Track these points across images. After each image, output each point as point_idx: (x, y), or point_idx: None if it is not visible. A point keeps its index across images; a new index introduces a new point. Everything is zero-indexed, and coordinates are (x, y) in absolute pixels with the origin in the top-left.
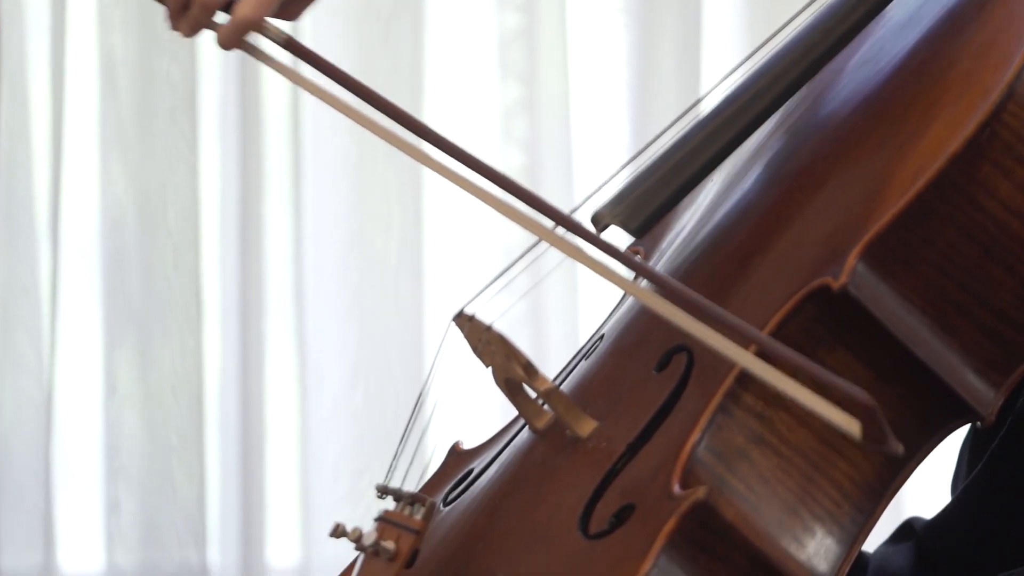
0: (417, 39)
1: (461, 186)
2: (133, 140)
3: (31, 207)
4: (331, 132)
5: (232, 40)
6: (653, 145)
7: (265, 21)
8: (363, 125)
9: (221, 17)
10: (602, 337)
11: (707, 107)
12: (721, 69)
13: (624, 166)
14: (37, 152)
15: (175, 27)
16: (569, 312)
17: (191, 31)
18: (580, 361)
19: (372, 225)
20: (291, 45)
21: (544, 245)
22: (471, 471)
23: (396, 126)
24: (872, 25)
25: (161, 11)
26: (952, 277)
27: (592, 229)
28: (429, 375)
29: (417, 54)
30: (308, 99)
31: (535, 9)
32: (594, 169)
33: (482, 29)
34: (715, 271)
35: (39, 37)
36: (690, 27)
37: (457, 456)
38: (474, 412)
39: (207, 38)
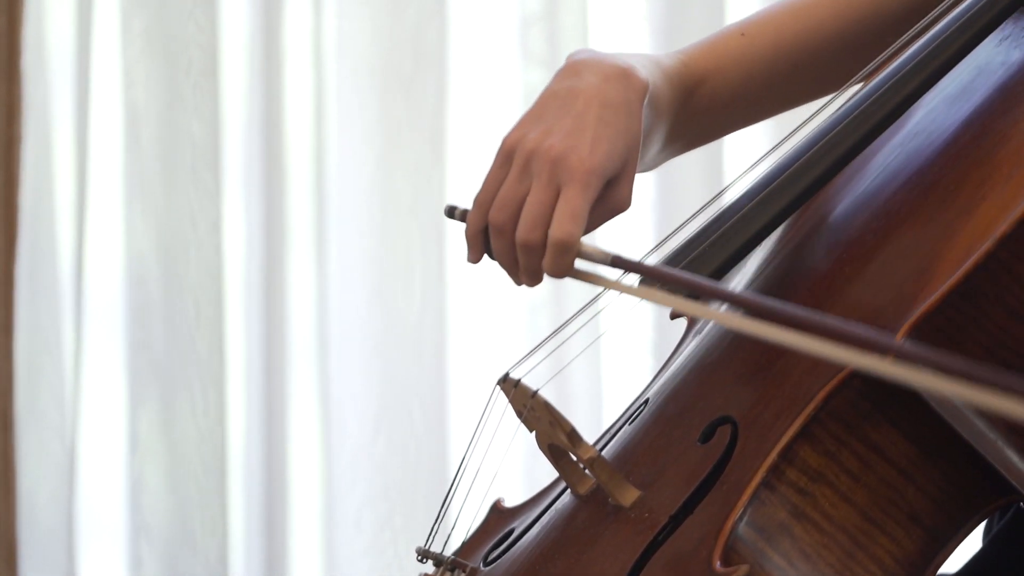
0: (441, 27)
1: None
2: (157, 195)
3: (55, 263)
4: (354, 187)
5: (559, 267)
6: (677, 232)
7: (583, 244)
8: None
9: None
10: (646, 402)
11: (757, 174)
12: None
13: (660, 244)
14: (61, 207)
15: (519, 282)
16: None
17: (533, 280)
18: (624, 425)
19: (395, 279)
20: (619, 262)
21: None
22: (512, 531)
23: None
24: (924, 96)
25: (183, 65)
26: (998, 357)
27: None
28: (473, 439)
29: (441, 43)
30: (331, 154)
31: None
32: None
33: (504, 12)
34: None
35: (63, 92)
36: (714, 11)
37: (499, 514)
38: (515, 472)
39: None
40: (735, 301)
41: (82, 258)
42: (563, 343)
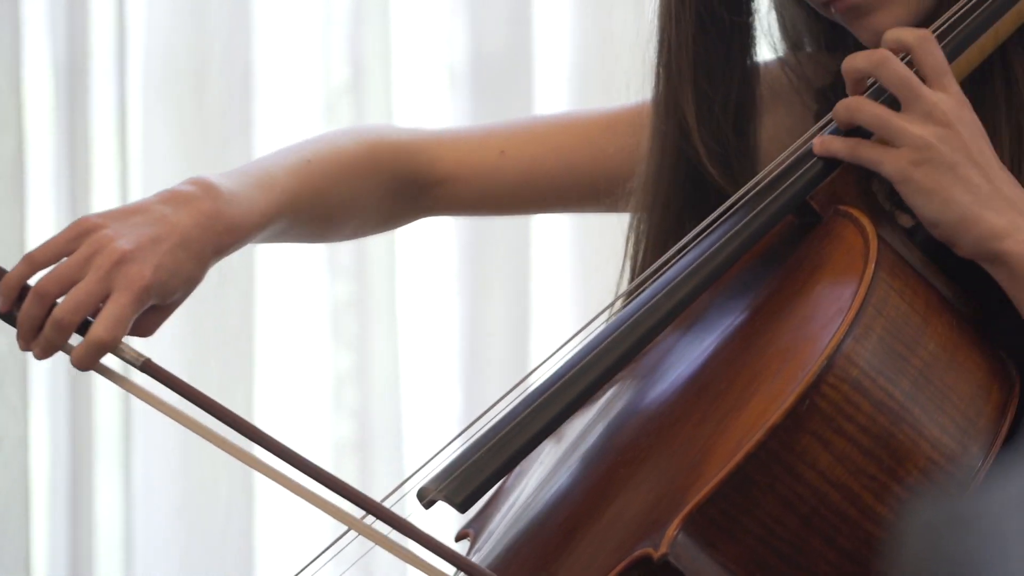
0: (247, 304)
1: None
2: None
3: None
4: (163, 444)
5: (87, 362)
6: (483, 418)
7: (122, 343)
8: (229, 452)
9: (75, 338)
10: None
11: (538, 380)
12: (552, 341)
13: (453, 440)
14: None
15: (26, 348)
16: None
17: (44, 353)
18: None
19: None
20: (149, 368)
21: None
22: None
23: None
24: (700, 300)
25: None
26: (773, 547)
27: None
28: None
29: (248, 320)
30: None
31: (366, 277)
32: (424, 440)
33: (310, 85)
34: (542, 546)
35: None
36: (520, 294)
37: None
38: None
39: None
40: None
41: None
42: None
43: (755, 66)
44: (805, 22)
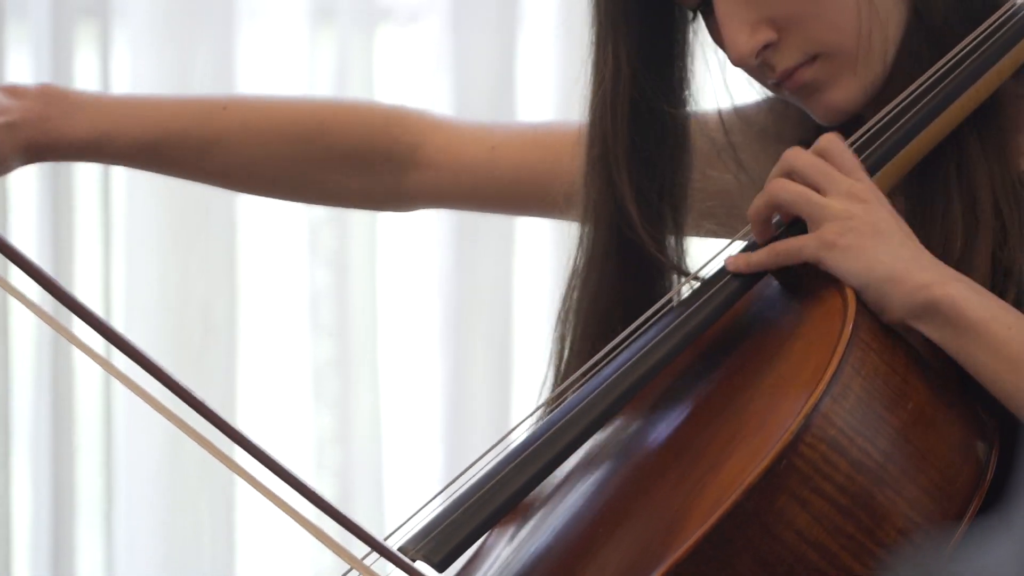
0: (230, 363)
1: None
2: None
3: None
4: (144, 465)
5: None
6: (464, 477)
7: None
8: (180, 428)
9: None
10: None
11: (518, 439)
12: (534, 401)
13: (433, 498)
14: None
15: None
16: None
17: None
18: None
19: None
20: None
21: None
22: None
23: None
24: (678, 359)
25: None
26: None
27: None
28: None
29: (230, 377)
30: (119, 430)
31: (347, 337)
32: (406, 500)
33: (294, 286)
34: None
35: None
36: (502, 353)
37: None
38: None
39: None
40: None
41: None
42: None
43: (689, 154)
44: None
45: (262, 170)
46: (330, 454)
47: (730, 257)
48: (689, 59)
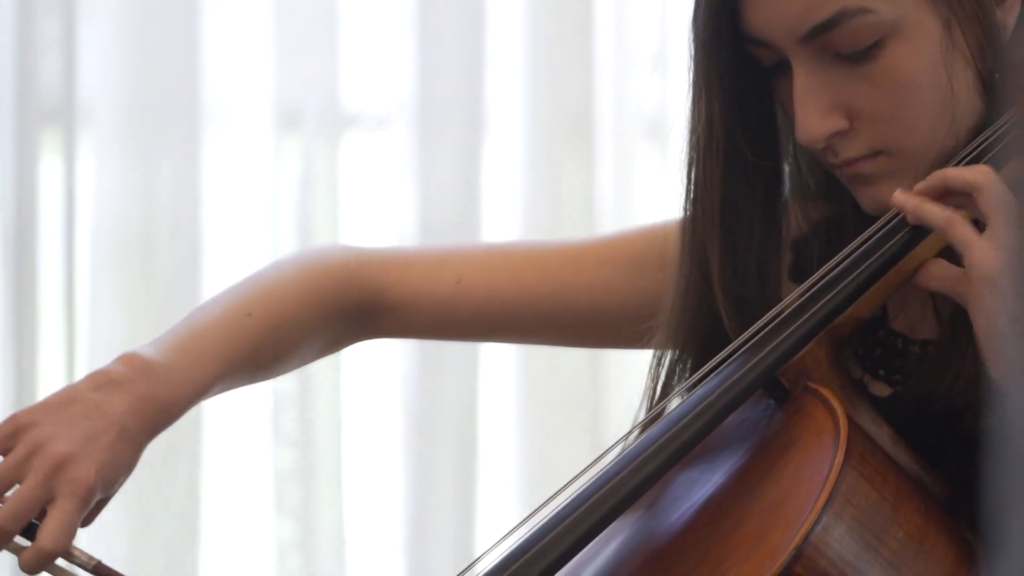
0: (193, 473)
1: None
2: None
3: None
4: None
5: (36, 569)
6: None
7: (72, 547)
8: None
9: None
10: None
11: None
12: (497, 512)
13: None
14: None
15: None
16: None
17: None
18: None
19: None
20: (100, 570)
21: None
22: None
23: None
24: (670, 474)
25: None
26: None
27: None
28: None
29: (193, 487)
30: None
31: (311, 445)
32: None
33: (256, 394)
34: None
35: None
36: (466, 463)
37: None
38: None
39: None
40: None
41: None
42: None
43: (782, 211)
44: (821, 169)
45: (294, 351)
46: (292, 560)
47: (901, 192)
48: (780, 114)
